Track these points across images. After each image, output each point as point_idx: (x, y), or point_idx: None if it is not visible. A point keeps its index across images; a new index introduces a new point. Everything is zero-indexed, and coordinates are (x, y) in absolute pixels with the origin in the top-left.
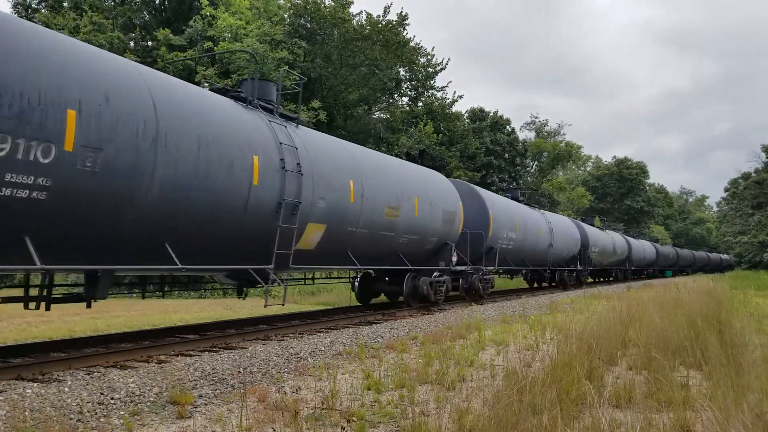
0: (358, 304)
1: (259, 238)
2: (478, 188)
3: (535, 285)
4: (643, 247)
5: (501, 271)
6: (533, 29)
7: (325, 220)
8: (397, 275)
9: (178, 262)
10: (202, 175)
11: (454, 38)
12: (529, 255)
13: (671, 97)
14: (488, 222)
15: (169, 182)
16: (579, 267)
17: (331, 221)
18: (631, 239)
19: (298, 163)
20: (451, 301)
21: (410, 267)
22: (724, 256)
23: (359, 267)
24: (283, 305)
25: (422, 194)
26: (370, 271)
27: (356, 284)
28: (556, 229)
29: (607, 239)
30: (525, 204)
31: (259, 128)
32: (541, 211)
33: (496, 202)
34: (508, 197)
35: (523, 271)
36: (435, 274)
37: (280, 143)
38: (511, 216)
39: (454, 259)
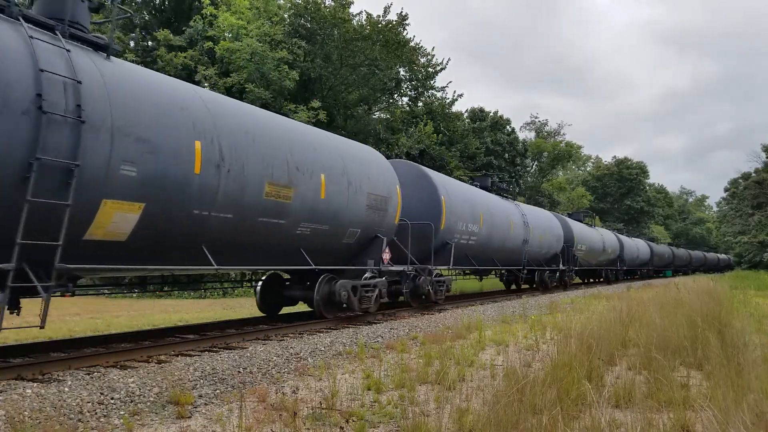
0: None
1: None
2: (427, 170)
3: (513, 287)
4: (637, 246)
5: (467, 271)
6: (534, 29)
7: (144, 196)
8: (313, 278)
9: None
10: None
11: (455, 38)
12: (498, 252)
13: (671, 97)
14: (440, 211)
15: None
16: (562, 267)
17: (157, 199)
18: (623, 237)
19: (78, 105)
20: (393, 309)
21: (314, 267)
22: (722, 256)
23: (216, 267)
24: (41, 327)
25: (335, 171)
26: (279, 272)
27: (258, 289)
28: (534, 223)
29: (596, 236)
30: (502, 197)
31: None
32: (516, 202)
33: (452, 189)
34: (476, 185)
35: (494, 271)
36: (366, 275)
37: (41, 70)
38: (471, 205)
39: (386, 256)
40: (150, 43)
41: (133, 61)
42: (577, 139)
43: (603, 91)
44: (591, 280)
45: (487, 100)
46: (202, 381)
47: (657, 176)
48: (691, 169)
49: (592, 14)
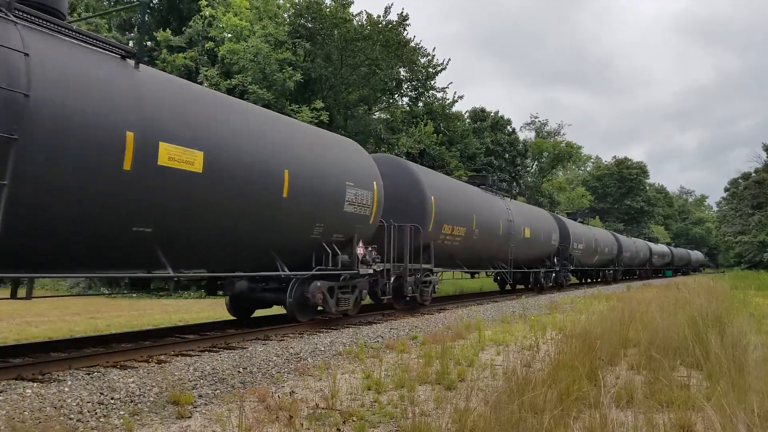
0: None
1: None
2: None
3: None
4: (594, 238)
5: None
6: (554, 23)
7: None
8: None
9: None
10: None
11: (470, 31)
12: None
13: (693, 93)
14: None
15: None
16: (423, 264)
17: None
18: (572, 223)
19: None
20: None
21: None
22: (696, 254)
23: None
24: None
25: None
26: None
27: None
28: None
29: (520, 219)
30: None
31: None
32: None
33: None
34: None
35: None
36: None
37: None
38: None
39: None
40: (149, 43)
41: None
42: (592, 136)
43: (623, 87)
44: (519, 287)
45: (502, 94)
46: (202, 381)
47: (673, 174)
48: (710, 167)
49: (615, 9)
